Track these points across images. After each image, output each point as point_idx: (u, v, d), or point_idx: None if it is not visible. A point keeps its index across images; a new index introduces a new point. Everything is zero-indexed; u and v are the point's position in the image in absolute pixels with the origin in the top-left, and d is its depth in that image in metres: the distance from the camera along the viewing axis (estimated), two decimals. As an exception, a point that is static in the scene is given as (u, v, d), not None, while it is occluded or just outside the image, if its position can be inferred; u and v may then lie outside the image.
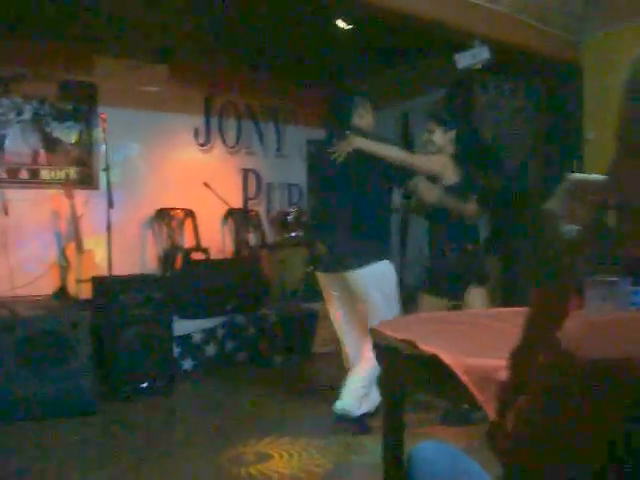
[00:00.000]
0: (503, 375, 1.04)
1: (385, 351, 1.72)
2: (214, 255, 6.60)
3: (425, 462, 1.40)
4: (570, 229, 1.01)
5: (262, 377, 3.84)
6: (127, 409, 4.45)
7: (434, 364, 1.47)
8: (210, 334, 5.52)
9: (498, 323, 1.96)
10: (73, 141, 6.19)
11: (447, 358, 1.44)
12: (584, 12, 5.11)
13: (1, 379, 4.07)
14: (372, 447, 3.37)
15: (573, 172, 1.05)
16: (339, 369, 4.19)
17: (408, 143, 6.61)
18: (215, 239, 6.83)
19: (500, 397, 1.03)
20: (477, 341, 1.77)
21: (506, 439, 0.92)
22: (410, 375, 1.69)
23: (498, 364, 1.34)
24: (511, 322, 1.88)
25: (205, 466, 3.45)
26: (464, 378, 1.38)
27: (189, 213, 6.64)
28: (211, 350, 5.48)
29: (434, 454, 1.42)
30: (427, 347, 1.52)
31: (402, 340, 1.63)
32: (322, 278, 4.07)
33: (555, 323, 0.91)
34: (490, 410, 1.30)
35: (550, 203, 1.05)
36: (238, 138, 7.17)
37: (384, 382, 1.86)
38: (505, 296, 5.55)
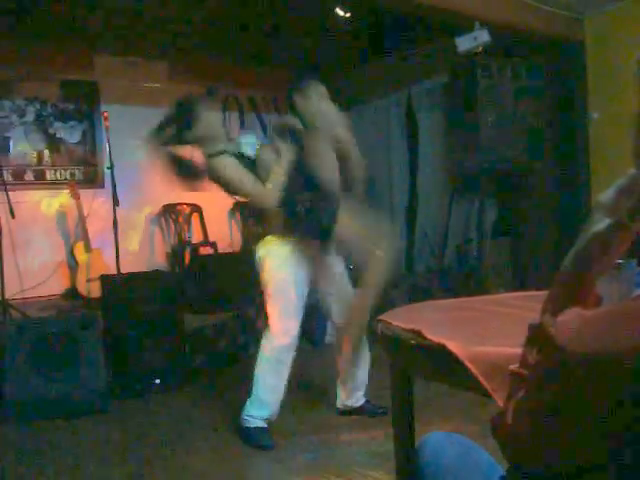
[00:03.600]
0: (513, 363, 1.02)
1: (391, 341, 1.71)
2: (222, 249, 6.61)
3: (435, 452, 1.39)
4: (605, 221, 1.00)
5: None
6: (140, 406, 4.45)
7: (442, 353, 1.45)
8: (221, 328, 5.51)
9: (507, 309, 1.93)
10: (77, 140, 6.19)
11: (454, 347, 1.42)
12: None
13: (14, 381, 4.09)
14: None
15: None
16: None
17: (413, 128, 6.60)
18: (222, 233, 6.84)
19: (509, 386, 1.01)
20: (485, 328, 1.75)
21: (507, 431, 0.90)
22: (418, 365, 1.68)
23: (506, 352, 1.33)
24: (520, 307, 1.87)
25: (220, 462, 3.46)
26: (471, 367, 1.37)
27: (195, 208, 6.64)
28: (223, 344, 5.48)
29: (444, 444, 1.41)
30: (434, 336, 1.50)
31: (408, 330, 1.61)
32: None
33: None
34: (499, 399, 1.29)
35: (604, 194, 1.03)
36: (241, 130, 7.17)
37: (392, 373, 1.84)
38: (515, 279, 5.54)
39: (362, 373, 4.00)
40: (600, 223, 0.99)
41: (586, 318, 0.79)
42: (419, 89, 6.47)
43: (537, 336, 0.92)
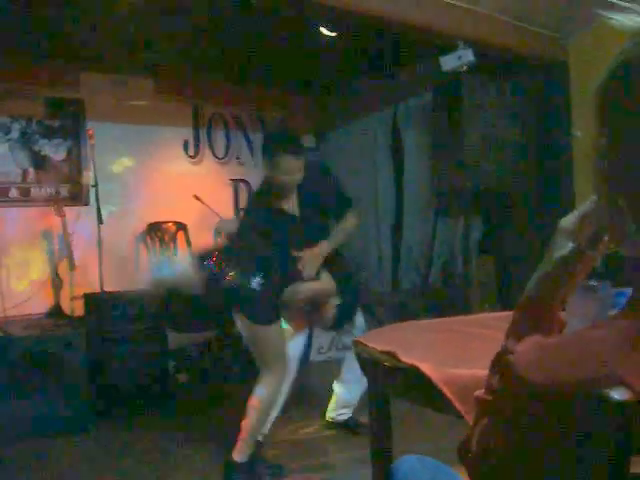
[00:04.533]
0: (481, 387, 1.02)
1: (367, 363, 1.71)
2: (207, 267, 6.57)
3: (407, 476, 1.39)
4: (569, 246, 1.00)
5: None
6: (123, 425, 4.42)
7: (416, 375, 1.45)
8: (205, 347, 5.49)
9: (485, 330, 1.93)
10: (62, 158, 6.17)
11: (427, 369, 1.42)
12: (568, 10, 5.09)
13: (-3, 400, 4.07)
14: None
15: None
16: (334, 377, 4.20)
17: (398, 146, 6.61)
18: (208, 251, 6.80)
19: (475, 411, 1.01)
20: (462, 349, 1.75)
21: (471, 458, 0.90)
22: (394, 387, 1.67)
23: (478, 374, 1.33)
24: (495, 328, 1.86)
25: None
26: (444, 389, 1.36)
27: (181, 226, 6.62)
28: (207, 363, 5.45)
29: (416, 467, 1.40)
30: (407, 359, 1.50)
31: (383, 352, 1.61)
32: None
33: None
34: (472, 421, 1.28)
35: (566, 218, 1.04)
36: (227, 149, 7.15)
37: (370, 394, 1.84)
38: (501, 297, 5.53)
39: (344, 391, 4.03)
40: (563, 248, 0.99)
41: (544, 347, 0.79)
42: (404, 108, 6.49)
43: (499, 362, 0.92)
